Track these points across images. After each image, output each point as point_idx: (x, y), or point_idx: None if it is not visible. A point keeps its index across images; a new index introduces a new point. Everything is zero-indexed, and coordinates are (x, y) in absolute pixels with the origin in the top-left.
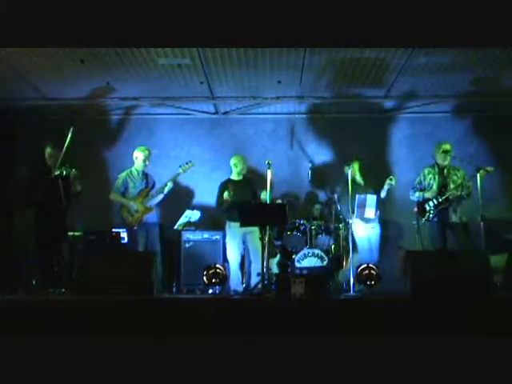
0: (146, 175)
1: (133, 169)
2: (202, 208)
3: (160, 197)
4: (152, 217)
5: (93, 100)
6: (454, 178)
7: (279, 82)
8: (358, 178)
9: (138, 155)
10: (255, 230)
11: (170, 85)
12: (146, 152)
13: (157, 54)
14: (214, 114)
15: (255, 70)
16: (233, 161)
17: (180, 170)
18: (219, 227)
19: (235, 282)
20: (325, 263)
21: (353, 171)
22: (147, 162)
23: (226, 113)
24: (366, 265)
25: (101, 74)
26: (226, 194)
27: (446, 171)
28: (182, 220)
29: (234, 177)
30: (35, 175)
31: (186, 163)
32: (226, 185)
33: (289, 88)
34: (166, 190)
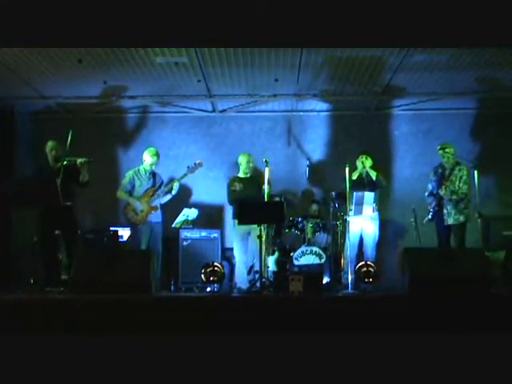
0: (153, 174)
1: (141, 167)
2: (199, 206)
3: (168, 197)
4: (156, 216)
5: (90, 99)
6: (453, 179)
7: (276, 80)
8: (371, 173)
9: (147, 159)
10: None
11: (168, 83)
12: (155, 158)
13: (154, 52)
14: (211, 112)
15: (252, 68)
16: (239, 159)
17: (188, 171)
18: (217, 225)
19: (240, 279)
20: (323, 261)
21: (358, 166)
22: (154, 167)
23: (223, 111)
24: (364, 262)
25: (98, 72)
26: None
27: (447, 172)
28: (180, 218)
29: (241, 174)
30: (37, 172)
31: (194, 164)
32: (234, 181)
33: (286, 86)
34: (174, 191)
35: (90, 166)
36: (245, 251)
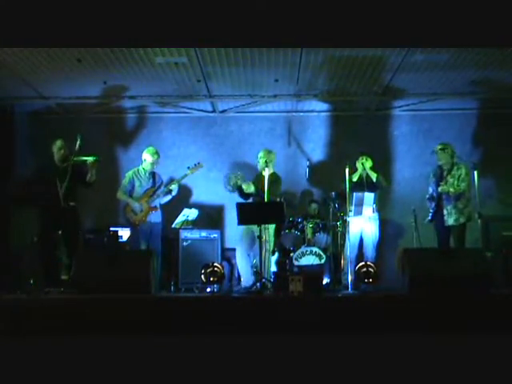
0: (153, 174)
1: (140, 168)
2: (199, 206)
3: (168, 197)
4: (156, 216)
5: (90, 99)
6: (451, 180)
7: (276, 80)
8: (371, 175)
9: (147, 158)
10: (269, 226)
11: (168, 83)
12: (156, 157)
13: (154, 52)
14: (211, 112)
15: (252, 68)
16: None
17: (188, 172)
18: (217, 226)
19: (244, 278)
20: (322, 261)
21: (358, 168)
22: (155, 166)
23: (223, 111)
24: (363, 262)
25: (98, 72)
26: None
27: (445, 173)
28: (180, 218)
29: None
30: (38, 173)
31: (195, 164)
32: (256, 178)
33: (286, 86)
34: (174, 192)
35: (97, 166)
36: (250, 251)
